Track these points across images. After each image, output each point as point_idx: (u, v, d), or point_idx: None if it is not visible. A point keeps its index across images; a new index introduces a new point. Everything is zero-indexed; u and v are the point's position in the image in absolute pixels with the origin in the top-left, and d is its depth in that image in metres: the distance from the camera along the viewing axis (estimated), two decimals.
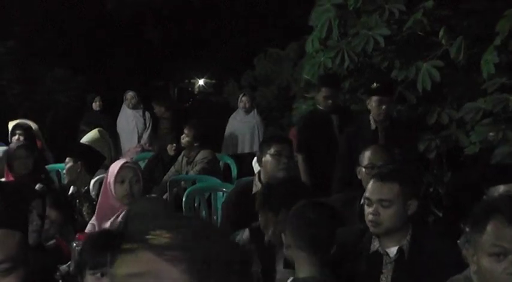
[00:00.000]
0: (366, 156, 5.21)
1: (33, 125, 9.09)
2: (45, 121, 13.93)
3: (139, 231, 1.50)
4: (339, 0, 8.45)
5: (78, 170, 6.15)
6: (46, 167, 7.40)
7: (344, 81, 8.63)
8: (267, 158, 5.37)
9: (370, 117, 6.53)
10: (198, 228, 1.52)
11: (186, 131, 8.52)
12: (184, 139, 8.51)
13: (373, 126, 6.52)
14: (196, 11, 18.25)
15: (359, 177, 5.20)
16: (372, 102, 6.44)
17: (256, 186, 5.34)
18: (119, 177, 4.67)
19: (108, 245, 3.18)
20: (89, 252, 3.23)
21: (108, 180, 4.73)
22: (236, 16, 17.64)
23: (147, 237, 1.48)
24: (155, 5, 17.65)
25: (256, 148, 10.59)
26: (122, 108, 11.77)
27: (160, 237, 1.48)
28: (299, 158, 7.15)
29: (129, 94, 11.77)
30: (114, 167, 4.74)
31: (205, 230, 1.53)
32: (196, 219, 1.56)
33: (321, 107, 7.32)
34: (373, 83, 6.67)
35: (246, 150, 10.86)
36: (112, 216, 4.63)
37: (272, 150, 5.36)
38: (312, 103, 8.89)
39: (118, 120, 11.70)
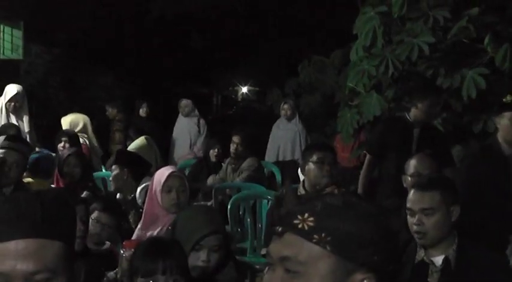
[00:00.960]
0: (412, 164, 5.21)
1: (82, 123, 9.22)
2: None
3: (287, 215, 1.63)
4: (384, 8, 8.42)
5: (125, 177, 6.19)
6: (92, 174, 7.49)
7: (388, 90, 8.61)
8: (310, 165, 5.39)
9: (499, 137, 5.76)
10: (341, 208, 1.63)
11: (234, 139, 8.54)
12: (233, 147, 8.53)
13: (507, 150, 5.70)
14: (240, 18, 18.29)
15: (405, 185, 5.19)
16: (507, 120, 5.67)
17: (301, 193, 5.37)
18: (166, 186, 4.70)
19: (160, 253, 3.23)
20: (141, 259, 3.27)
21: (154, 188, 4.76)
22: (280, 24, 17.65)
23: (295, 221, 1.61)
24: (200, 13, 17.71)
25: (297, 155, 10.64)
26: (179, 115, 11.93)
27: (307, 221, 1.60)
28: (366, 158, 6.95)
29: (183, 102, 11.91)
30: (161, 176, 4.76)
31: (349, 210, 1.63)
32: (338, 198, 1.64)
33: (408, 117, 6.65)
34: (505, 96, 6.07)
35: (288, 158, 10.91)
36: (158, 224, 4.66)
37: (314, 158, 5.38)
38: (356, 111, 8.88)
39: (174, 128, 11.86)
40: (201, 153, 11.38)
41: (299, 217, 1.62)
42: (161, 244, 3.35)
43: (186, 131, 11.72)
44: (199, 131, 11.73)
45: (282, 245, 1.63)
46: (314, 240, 1.59)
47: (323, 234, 1.59)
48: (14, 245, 1.74)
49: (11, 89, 8.85)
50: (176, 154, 11.48)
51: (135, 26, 18.17)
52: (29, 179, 6.47)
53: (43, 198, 1.81)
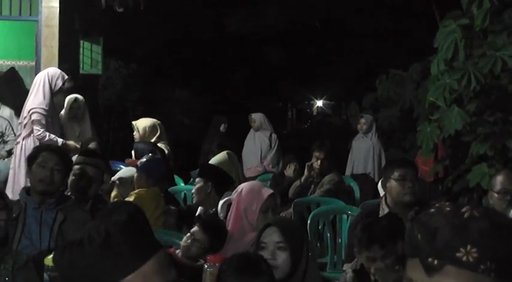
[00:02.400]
0: (498, 181, 5.13)
1: (159, 130, 9.36)
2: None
3: (446, 248, 1.62)
4: (465, 21, 8.34)
5: (208, 191, 6.20)
6: (171, 188, 7.59)
7: (470, 103, 8.51)
8: (391, 182, 5.33)
9: None
10: (494, 231, 1.63)
11: (317, 154, 8.51)
12: (316, 163, 8.50)
13: None
14: (316, 32, 18.31)
15: (490, 202, 5.12)
16: None
17: (383, 210, 5.32)
18: (265, 207, 4.71)
19: (253, 270, 3.25)
20: (232, 274, 3.29)
21: (244, 206, 4.75)
22: (357, 37, 17.63)
23: (457, 254, 1.61)
24: (276, 27, 17.80)
25: (369, 169, 10.59)
26: (251, 129, 11.98)
27: (470, 253, 1.61)
28: None
29: (252, 117, 11.95)
30: (257, 195, 4.74)
31: (500, 230, 1.64)
32: (483, 220, 1.65)
33: None
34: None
35: (359, 171, 10.86)
36: (244, 241, 4.64)
37: (396, 175, 5.31)
38: (436, 125, 8.80)
39: (245, 141, 11.91)
40: (271, 168, 11.39)
41: (462, 250, 1.62)
42: (253, 261, 3.36)
43: (258, 144, 11.75)
44: (270, 145, 11.75)
45: (443, 278, 1.63)
46: (480, 271, 1.60)
47: (488, 263, 1.59)
48: (153, 261, 1.88)
49: (70, 98, 9.09)
50: (245, 166, 11.53)
51: (211, 41, 18.34)
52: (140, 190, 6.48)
53: (138, 216, 1.90)
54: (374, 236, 4.07)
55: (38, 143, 7.91)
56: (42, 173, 4.80)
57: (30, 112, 8.05)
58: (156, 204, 6.27)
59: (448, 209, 1.67)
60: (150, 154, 7.26)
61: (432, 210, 1.70)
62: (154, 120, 9.64)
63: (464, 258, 1.60)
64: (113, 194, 6.76)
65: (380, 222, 4.16)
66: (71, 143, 8.38)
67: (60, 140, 8.12)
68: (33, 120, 8.02)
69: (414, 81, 11.51)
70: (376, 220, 4.32)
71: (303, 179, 8.49)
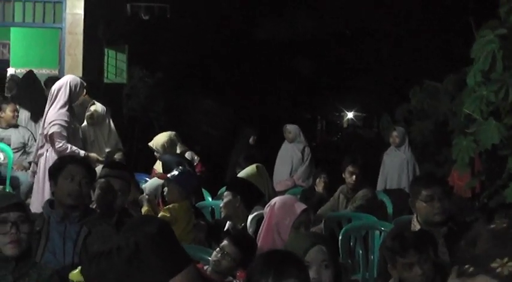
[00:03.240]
0: None
1: (179, 144, 9.44)
2: None
3: (483, 257, 1.64)
4: (503, 31, 8.30)
5: (237, 205, 6.20)
6: (199, 203, 7.60)
7: (507, 117, 8.46)
8: (420, 203, 5.31)
9: None
10: None
11: (351, 169, 8.51)
12: (351, 178, 8.50)
13: None
14: (348, 41, 18.31)
15: None
16: None
17: (415, 227, 5.31)
18: (298, 223, 4.73)
19: (290, 267, 3.23)
20: (270, 271, 3.27)
21: (274, 220, 4.76)
22: (390, 47, 17.60)
23: (492, 265, 1.63)
24: (305, 36, 17.82)
25: (404, 184, 10.55)
26: (285, 141, 11.99)
27: (506, 265, 1.62)
28: None
29: (287, 128, 11.96)
30: (290, 210, 4.76)
31: None
32: None
33: None
34: None
35: (394, 186, 10.82)
36: None
37: (423, 195, 5.28)
38: (472, 139, 8.76)
39: (278, 153, 11.92)
40: (301, 182, 11.37)
41: (498, 260, 1.64)
42: (289, 255, 3.35)
43: (289, 156, 11.74)
44: (302, 159, 11.73)
45: None
46: None
47: None
48: (182, 276, 1.90)
49: (90, 103, 9.23)
50: (275, 179, 11.51)
51: (238, 51, 18.38)
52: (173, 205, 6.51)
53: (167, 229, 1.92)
54: (407, 241, 4.08)
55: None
56: (71, 186, 4.81)
57: (51, 124, 8.06)
58: (188, 219, 6.29)
59: (498, 225, 1.70)
60: (180, 167, 7.27)
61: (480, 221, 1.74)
62: (168, 133, 9.69)
63: (498, 270, 1.61)
64: (144, 209, 6.79)
65: (411, 232, 4.18)
66: (93, 155, 8.41)
67: (82, 152, 8.14)
68: (53, 132, 8.03)
69: (449, 93, 11.45)
70: (406, 231, 4.34)
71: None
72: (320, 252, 3.59)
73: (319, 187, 9.22)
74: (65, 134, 8.07)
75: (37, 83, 10.96)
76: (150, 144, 9.47)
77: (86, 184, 4.86)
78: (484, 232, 1.69)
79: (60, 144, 7.99)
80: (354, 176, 8.49)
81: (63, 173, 4.85)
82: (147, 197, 6.79)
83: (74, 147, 8.07)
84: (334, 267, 3.65)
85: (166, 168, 8.21)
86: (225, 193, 6.39)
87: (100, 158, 8.41)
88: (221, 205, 6.38)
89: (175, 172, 6.73)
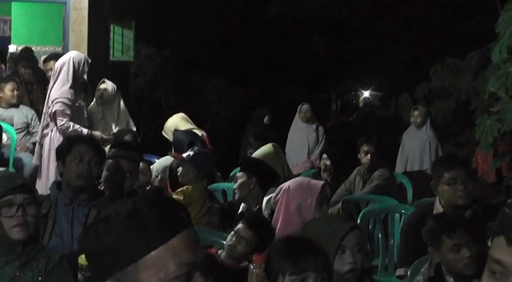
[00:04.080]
0: None
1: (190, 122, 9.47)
2: None
3: None
4: None
5: (252, 187, 6.15)
6: (211, 186, 7.60)
7: None
8: (442, 187, 5.28)
9: None
10: None
11: (366, 148, 8.47)
12: (366, 158, 8.47)
13: None
14: (364, 16, 18.19)
15: None
16: None
17: (437, 210, 5.29)
18: (320, 199, 4.72)
19: (309, 250, 3.24)
20: (289, 258, 3.27)
21: (294, 203, 4.76)
22: (409, 22, 17.49)
23: None
24: (320, 12, 17.72)
25: (426, 166, 10.51)
26: (294, 120, 11.93)
27: None
28: None
29: (304, 107, 11.90)
30: (310, 189, 4.76)
31: None
32: None
33: None
34: None
35: (415, 168, 10.79)
36: None
37: (446, 178, 5.25)
38: (496, 118, 8.71)
39: (289, 133, 11.88)
40: (318, 162, 11.35)
41: None
42: (307, 243, 3.36)
43: (304, 137, 11.71)
44: (317, 139, 11.71)
45: None
46: None
47: None
48: (182, 237, 1.87)
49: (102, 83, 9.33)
50: (291, 162, 11.46)
51: (251, 27, 18.31)
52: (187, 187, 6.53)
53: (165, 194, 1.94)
54: (456, 221, 4.06)
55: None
56: (80, 167, 4.79)
57: (54, 102, 8.07)
58: (202, 202, 6.29)
59: None
60: (195, 147, 7.26)
61: None
62: (177, 116, 9.69)
63: None
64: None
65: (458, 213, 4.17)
66: (97, 133, 8.41)
67: (85, 131, 8.16)
68: (56, 110, 8.04)
69: (472, 70, 11.41)
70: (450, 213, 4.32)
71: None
72: (356, 237, 3.60)
73: (325, 167, 9.16)
74: (68, 112, 8.08)
75: (34, 60, 10.90)
76: (163, 132, 9.50)
77: (95, 165, 4.84)
78: None
79: (63, 123, 8.01)
80: (369, 155, 8.46)
81: (71, 153, 4.83)
82: (159, 177, 6.80)
83: (77, 126, 8.09)
84: (364, 250, 3.68)
85: (178, 147, 8.21)
86: (239, 174, 6.33)
87: (104, 137, 8.40)
88: (235, 186, 6.33)
89: (190, 152, 6.72)
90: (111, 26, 12.79)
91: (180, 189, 6.42)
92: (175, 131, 8.91)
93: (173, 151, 8.39)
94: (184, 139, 8.39)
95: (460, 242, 4.06)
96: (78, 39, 11.11)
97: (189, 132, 8.94)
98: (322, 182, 4.85)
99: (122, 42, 13.17)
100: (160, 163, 7.80)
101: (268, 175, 6.25)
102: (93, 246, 1.87)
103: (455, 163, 5.46)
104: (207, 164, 6.78)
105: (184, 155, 6.78)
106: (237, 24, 18.10)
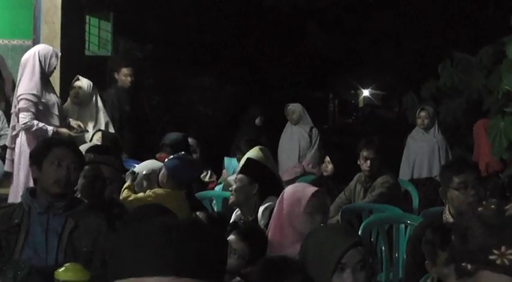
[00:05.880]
0: None
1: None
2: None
3: (478, 251, 1.64)
4: None
5: (253, 193, 6.08)
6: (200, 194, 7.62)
7: None
8: (452, 192, 5.31)
9: None
10: None
11: (366, 153, 8.47)
12: (366, 164, 8.47)
13: None
14: (366, 9, 18.21)
15: None
16: None
17: (446, 219, 5.31)
18: (310, 206, 4.72)
19: (285, 271, 3.28)
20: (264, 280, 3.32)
21: (284, 211, 4.76)
22: (416, 15, 17.51)
23: (491, 257, 1.64)
24: (318, 2, 17.73)
25: (435, 172, 10.49)
26: (287, 123, 11.96)
27: (505, 255, 1.64)
28: None
29: (289, 108, 11.92)
30: (302, 194, 4.76)
31: None
32: None
33: None
34: None
35: (424, 175, 10.79)
36: (285, 252, 4.65)
37: (455, 183, 5.28)
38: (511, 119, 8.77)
39: (281, 136, 11.90)
40: (311, 168, 11.35)
41: (496, 252, 1.62)
42: (283, 263, 3.40)
43: (296, 140, 11.73)
44: (310, 142, 11.72)
45: None
46: None
47: None
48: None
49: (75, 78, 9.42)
50: (281, 167, 11.48)
51: (242, 20, 18.30)
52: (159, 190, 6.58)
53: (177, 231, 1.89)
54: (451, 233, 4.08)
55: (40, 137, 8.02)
56: (58, 172, 4.75)
57: (19, 99, 8.13)
58: (184, 213, 6.27)
59: (488, 207, 1.69)
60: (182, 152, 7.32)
61: (466, 210, 1.71)
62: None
63: (498, 261, 1.61)
64: (126, 184, 6.83)
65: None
66: (64, 130, 8.45)
67: (50, 128, 8.21)
68: (19, 108, 8.09)
69: (484, 66, 11.45)
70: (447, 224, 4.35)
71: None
72: (358, 254, 3.61)
73: (328, 170, 9.19)
74: (32, 109, 8.14)
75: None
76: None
77: (74, 170, 4.82)
78: (474, 223, 1.67)
79: (25, 121, 8.08)
80: (369, 162, 8.45)
81: (48, 157, 4.80)
82: (146, 175, 6.84)
83: (41, 124, 8.16)
84: (369, 267, 3.68)
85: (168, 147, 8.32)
86: (239, 176, 6.25)
87: (72, 134, 8.45)
88: (232, 189, 6.26)
89: (172, 158, 6.76)
90: (87, 18, 12.78)
91: (152, 191, 6.49)
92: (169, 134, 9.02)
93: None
94: (178, 140, 8.46)
95: None
96: (51, 32, 11.09)
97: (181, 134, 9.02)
98: (317, 188, 4.84)
99: (98, 35, 13.16)
100: (147, 166, 7.80)
101: (271, 182, 6.23)
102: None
103: (465, 166, 5.48)
104: (187, 173, 6.80)
105: (167, 159, 6.85)
106: (227, 17, 18.09)
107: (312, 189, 4.82)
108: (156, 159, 7.84)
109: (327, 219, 4.77)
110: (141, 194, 6.59)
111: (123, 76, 10.64)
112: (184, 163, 6.90)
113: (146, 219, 1.98)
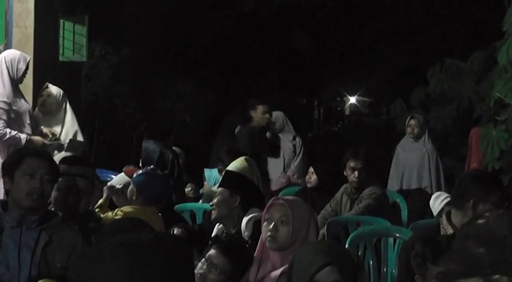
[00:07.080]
0: None
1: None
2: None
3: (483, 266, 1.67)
4: None
5: (234, 206, 6.08)
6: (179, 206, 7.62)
7: None
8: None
9: None
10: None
11: (352, 163, 8.48)
12: (353, 174, 8.48)
13: None
14: (351, 12, 18.26)
15: None
16: None
17: (445, 230, 5.31)
18: (268, 216, 4.73)
19: None
20: None
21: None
22: (403, 18, 17.58)
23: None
24: (301, 6, 17.75)
25: (425, 184, 10.52)
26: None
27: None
28: None
29: (274, 115, 11.91)
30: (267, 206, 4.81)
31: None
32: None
33: None
34: None
35: (413, 186, 10.80)
36: (267, 266, 4.66)
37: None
38: (503, 128, 8.80)
39: None
40: (296, 178, 11.34)
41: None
42: None
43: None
44: (294, 151, 11.71)
45: None
46: None
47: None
48: None
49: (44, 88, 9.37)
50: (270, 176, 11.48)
51: (222, 23, 18.32)
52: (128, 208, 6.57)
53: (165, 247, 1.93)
54: (443, 246, 4.08)
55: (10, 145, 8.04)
56: (30, 183, 4.73)
57: None
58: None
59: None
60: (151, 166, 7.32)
61: (485, 220, 1.69)
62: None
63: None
64: (101, 201, 6.84)
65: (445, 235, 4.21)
66: (37, 138, 8.46)
67: (23, 136, 8.21)
68: None
69: (475, 73, 11.49)
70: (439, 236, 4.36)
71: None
72: (332, 273, 3.63)
73: (314, 184, 9.19)
74: (4, 117, 8.15)
75: None
76: None
77: (47, 182, 4.80)
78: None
79: None
80: (357, 172, 8.46)
81: (20, 168, 4.77)
82: (121, 189, 6.84)
83: (14, 132, 8.18)
84: None
85: (146, 160, 8.28)
86: (220, 189, 6.24)
87: (46, 142, 8.46)
88: (213, 203, 6.26)
89: (140, 174, 6.77)
90: (61, 21, 12.76)
91: (124, 207, 6.49)
92: (145, 140, 8.96)
93: (141, 164, 8.44)
94: (155, 151, 8.44)
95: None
96: (23, 37, 11.06)
97: (161, 143, 8.99)
98: (278, 196, 4.87)
99: (73, 40, 13.12)
100: (123, 178, 7.79)
101: (252, 194, 6.23)
102: None
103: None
104: (154, 189, 6.78)
105: (135, 174, 6.86)
106: (207, 21, 18.11)
107: (272, 200, 4.86)
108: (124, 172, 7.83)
109: (286, 231, 4.73)
110: (109, 214, 6.58)
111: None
112: (152, 179, 6.87)
113: (114, 235, 2.00)
